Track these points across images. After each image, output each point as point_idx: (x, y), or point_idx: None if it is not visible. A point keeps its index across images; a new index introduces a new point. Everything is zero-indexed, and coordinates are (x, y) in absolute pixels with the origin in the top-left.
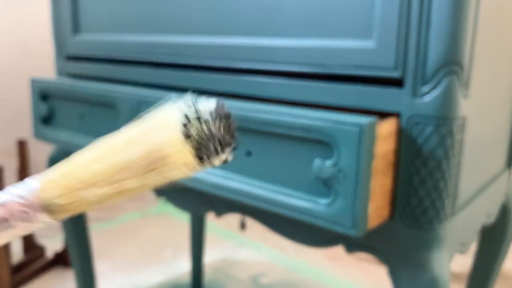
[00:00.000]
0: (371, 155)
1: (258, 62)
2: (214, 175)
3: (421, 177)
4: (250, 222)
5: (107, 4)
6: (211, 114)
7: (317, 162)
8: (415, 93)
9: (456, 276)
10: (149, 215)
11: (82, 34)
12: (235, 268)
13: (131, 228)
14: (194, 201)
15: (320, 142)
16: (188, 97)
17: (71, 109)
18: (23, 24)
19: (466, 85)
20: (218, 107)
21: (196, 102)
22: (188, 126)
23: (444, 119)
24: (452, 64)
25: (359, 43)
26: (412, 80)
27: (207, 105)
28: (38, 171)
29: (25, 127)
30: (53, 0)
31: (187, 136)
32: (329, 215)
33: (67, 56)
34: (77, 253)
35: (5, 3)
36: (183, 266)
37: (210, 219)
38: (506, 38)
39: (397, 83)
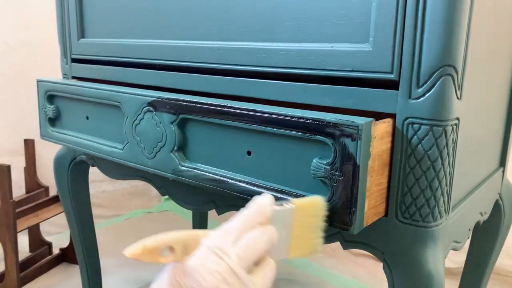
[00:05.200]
0: (367, 155)
1: (258, 65)
2: (216, 174)
3: (416, 176)
4: None
5: (112, 10)
6: None
7: (315, 161)
8: (410, 95)
9: (450, 273)
10: (153, 213)
11: (87, 38)
12: None
13: (135, 225)
14: (196, 199)
15: (318, 142)
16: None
17: (76, 109)
18: (30, 26)
19: (460, 87)
20: None
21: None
22: None
23: (438, 120)
24: (446, 67)
25: (356, 47)
26: (407, 82)
27: None
28: (45, 169)
29: (32, 127)
30: (58, 4)
31: None
32: (327, 212)
33: (73, 59)
34: (82, 249)
35: (13, 5)
36: None
37: (212, 216)
38: (499, 40)
39: (392, 85)
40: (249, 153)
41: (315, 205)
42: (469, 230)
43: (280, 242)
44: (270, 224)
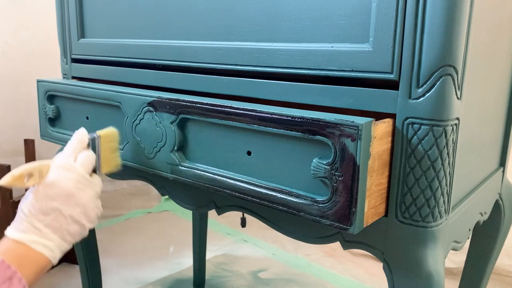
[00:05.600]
0: (367, 155)
1: (258, 65)
2: (216, 174)
3: (416, 176)
4: (250, 219)
5: (112, 10)
6: None
7: (315, 161)
8: (410, 95)
9: (450, 273)
10: (153, 213)
11: (87, 38)
12: (236, 264)
13: (136, 225)
14: (196, 199)
15: (318, 142)
16: None
17: (76, 109)
18: (30, 26)
19: (460, 87)
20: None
21: None
22: None
23: (438, 120)
24: (446, 67)
25: (356, 47)
26: (407, 82)
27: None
28: None
29: (32, 127)
30: (58, 4)
31: None
32: (326, 212)
33: (73, 59)
34: (83, 250)
35: (13, 5)
36: (186, 262)
37: (212, 216)
38: (499, 40)
39: (392, 85)
40: (249, 153)
41: (112, 133)
42: (469, 230)
43: (97, 162)
44: (88, 149)
